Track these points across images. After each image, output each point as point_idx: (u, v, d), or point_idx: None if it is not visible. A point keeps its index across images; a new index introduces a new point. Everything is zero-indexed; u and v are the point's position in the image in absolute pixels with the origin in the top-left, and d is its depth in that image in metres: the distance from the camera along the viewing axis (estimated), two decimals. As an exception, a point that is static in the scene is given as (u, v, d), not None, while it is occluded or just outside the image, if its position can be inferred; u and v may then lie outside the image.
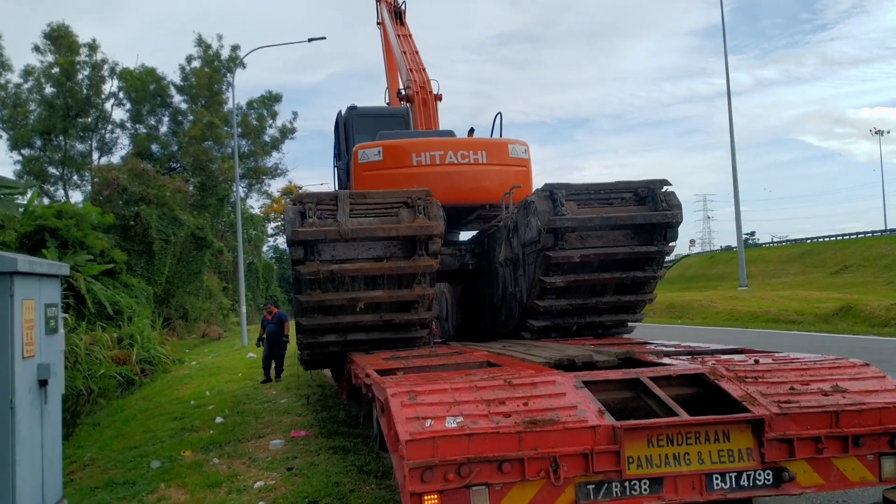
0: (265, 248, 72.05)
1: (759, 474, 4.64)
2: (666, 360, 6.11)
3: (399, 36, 15.55)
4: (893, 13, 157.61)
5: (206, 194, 39.00)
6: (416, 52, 14.84)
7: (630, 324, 10.09)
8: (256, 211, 61.15)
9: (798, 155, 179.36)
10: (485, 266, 11.67)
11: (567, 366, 6.02)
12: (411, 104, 13.48)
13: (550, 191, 8.78)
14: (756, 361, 5.69)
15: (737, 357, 6.23)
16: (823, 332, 24.03)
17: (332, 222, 8.31)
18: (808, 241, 78.75)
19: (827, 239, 76.48)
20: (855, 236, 73.55)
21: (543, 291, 9.16)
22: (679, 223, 8.98)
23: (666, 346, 7.78)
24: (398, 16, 16.62)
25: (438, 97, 13.69)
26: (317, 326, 8.97)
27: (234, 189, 36.53)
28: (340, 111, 13.94)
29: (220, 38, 41.73)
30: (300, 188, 74.82)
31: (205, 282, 39.98)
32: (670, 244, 9.17)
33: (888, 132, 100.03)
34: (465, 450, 4.36)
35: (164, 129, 41.81)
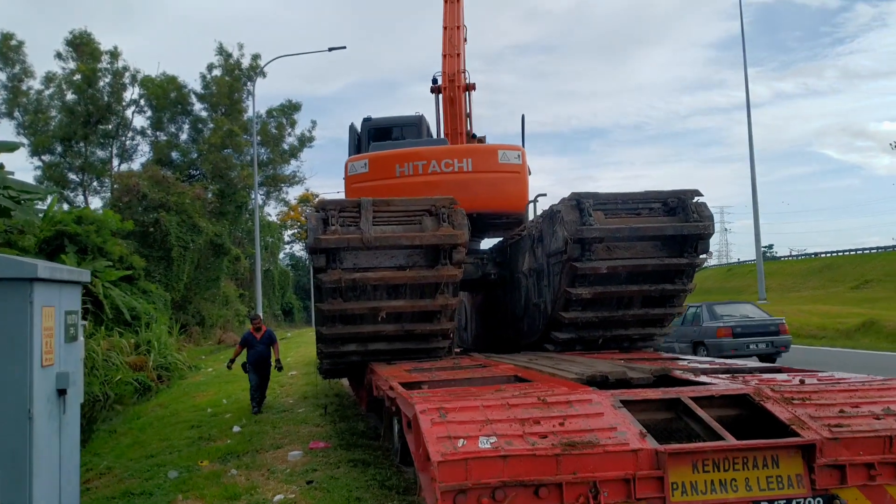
0: (281, 256, 72.16)
1: (810, 502, 4.39)
2: (704, 379, 5.87)
3: (446, 2, 14.66)
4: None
5: (225, 201, 38.99)
6: (457, 28, 13.94)
7: (657, 337, 9.86)
8: (273, 218, 61.24)
9: (817, 168, 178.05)
10: (506, 276, 11.47)
11: (599, 382, 5.80)
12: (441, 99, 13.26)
13: (577, 200, 8.57)
14: (802, 382, 5.43)
15: (779, 376, 5.98)
16: (846, 347, 23.63)
17: (355, 230, 8.16)
18: (828, 255, 77.88)
19: (847, 253, 75.59)
20: (875, 251, 72.66)
21: (569, 303, 8.95)
22: (711, 235, 8.75)
23: (700, 362, 7.53)
24: None
25: (471, 86, 13.39)
26: (338, 335, 8.79)
27: (253, 196, 36.53)
28: (353, 123, 13.85)
29: (241, 46, 42.00)
30: (317, 196, 75.13)
31: (222, 288, 39.95)
32: (701, 256, 8.93)
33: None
34: (499, 472, 4.15)
35: (184, 136, 41.92)
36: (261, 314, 31.92)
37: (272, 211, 60.06)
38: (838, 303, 46.70)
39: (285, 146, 45.32)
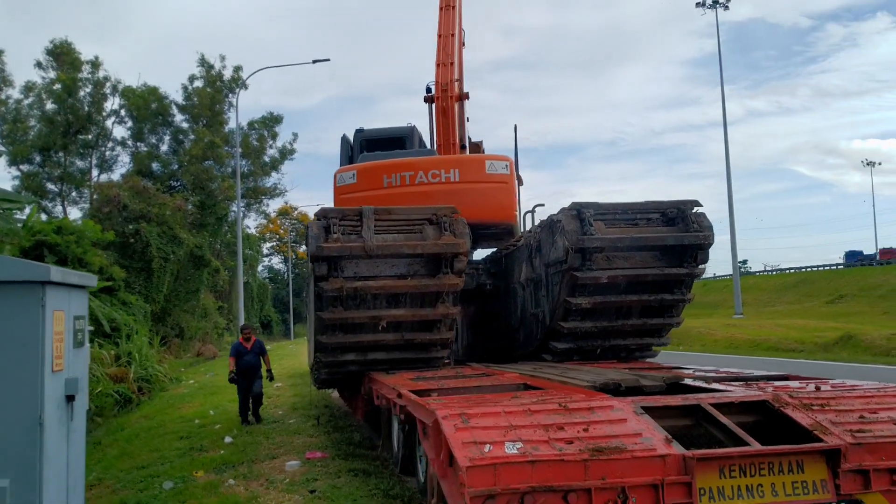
0: (260, 268, 71.70)
1: (835, 507, 4.40)
2: (717, 386, 5.88)
3: (442, 9, 14.32)
4: (883, 47, 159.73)
5: (206, 213, 38.67)
6: (451, 36, 13.66)
7: (654, 348, 9.87)
8: (252, 231, 60.87)
9: (790, 185, 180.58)
10: (501, 286, 11.44)
11: (612, 390, 5.78)
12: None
13: (578, 210, 8.58)
14: (817, 388, 5.46)
15: (792, 384, 6.00)
16: (826, 360, 23.83)
17: (357, 238, 8.11)
18: (802, 270, 78.96)
19: (821, 268, 76.67)
20: (849, 265, 73.78)
21: (568, 313, 8.94)
22: (710, 245, 8.79)
23: (705, 371, 7.55)
24: None
25: (465, 96, 13.31)
26: (337, 345, 8.72)
27: (235, 208, 36.30)
28: (345, 135, 13.80)
29: (222, 58, 41.56)
30: (296, 209, 74.93)
31: (201, 300, 39.57)
32: (700, 266, 8.97)
33: (880, 164, 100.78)
34: (528, 478, 4.12)
35: (164, 147, 41.56)
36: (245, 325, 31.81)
37: (251, 223, 59.80)
38: (814, 317, 47.27)
39: (266, 158, 45.15)
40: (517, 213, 11.73)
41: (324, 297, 8.25)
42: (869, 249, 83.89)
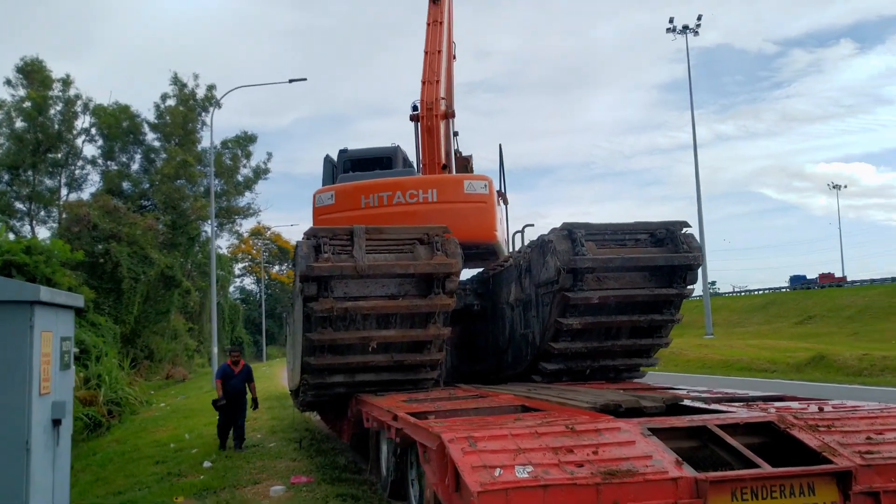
0: (231, 289, 70.90)
1: (847, 529, 4.34)
2: (718, 407, 5.83)
3: (429, 24, 14.08)
4: (847, 73, 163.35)
5: (177, 233, 38.21)
6: (438, 52, 13.44)
7: (643, 368, 9.84)
8: (224, 251, 60.22)
9: (757, 207, 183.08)
10: (488, 307, 11.35)
11: (613, 411, 5.71)
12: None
13: (569, 230, 8.55)
14: (821, 409, 5.43)
15: (793, 404, 5.97)
16: (799, 380, 24.00)
17: (348, 258, 7.99)
18: (770, 291, 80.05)
19: (790, 289, 77.66)
20: (843, 285, 74.72)
21: (559, 333, 8.87)
22: (699, 265, 8.80)
23: (699, 391, 7.51)
24: None
25: (451, 114, 13.18)
26: (326, 366, 8.55)
27: (207, 228, 35.90)
28: (328, 155, 13.67)
29: (196, 77, 41.31)
30: (269, 229, 74.42)
31: (171, 322, 38.97)
32: (689, 287, 8.96)
33: (845, 186, 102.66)
34: (540, 502, 4.02)
35: (135, 166, 41.09)
36: (216, 349, 31.38)
37: (223, 244, 59.09)
38: (784, 338, 47.75)
39: (240, 177, 44.78)
40: (498, 232, 11.64)
41: (313, 317, 8.10)
42: (836, 272, 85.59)
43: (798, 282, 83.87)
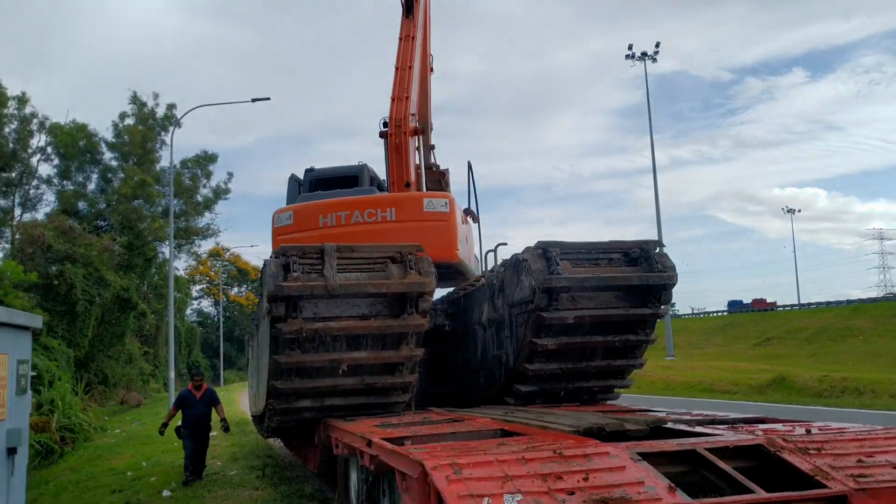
0: (189, 312, 69.58)
1: (844, 556, 4.19)
2: (702, 430, 5.67)
3: (401, 39, 13.78)
4: (798, 100, 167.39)
5: (134, 254, 37.39)
6: (409, 68, 13.10)
7: (616, 390, 9.69)
8: (182, 272, 59.14)
9: (713, 230, 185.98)
10: (459, 327, 11.13)
11: (596, 434, 5.52)
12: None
13: (544, 249, 8.41)
14: (808, 431, 5.30)
15: (778, 426, 5.84)
16: (761, 401, 24.19)
17: (318, 277, 7.72)
18: (710, 314, 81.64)
19: (748, 312, 78.82)
20: (788, 308, 76.06)
21: (533, 354, 8.68)
22: (674, 284, 8.70)
23: (678, 413, 7.37)
24: (408, 6, 14.16)
25: (420, 130, 12.93)
26: (293, 390, 8.23)
27: (164, 249, 35.21)
28: (293, 174, 13.42)
29: (156, 96, 40.63)
30: (228, 251, 73.33)
31: (127, 345, 38.03)
32: (663, 307, 8.86)
33: (799, 211, 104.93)
34: (532, 532, 3.79)
35: (92, 186, 40.20)
36: (173, 374, 30.60)
37: (180, 265, 58.12)
38: (743, 359, 48.26)
39: (199, 198, 44.10)
40: (461, 251, 11.42)
41: (280, 339, 7.80)
42: (789, 294, 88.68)
43: (735, 306, 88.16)
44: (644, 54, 50.01)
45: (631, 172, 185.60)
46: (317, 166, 13.36)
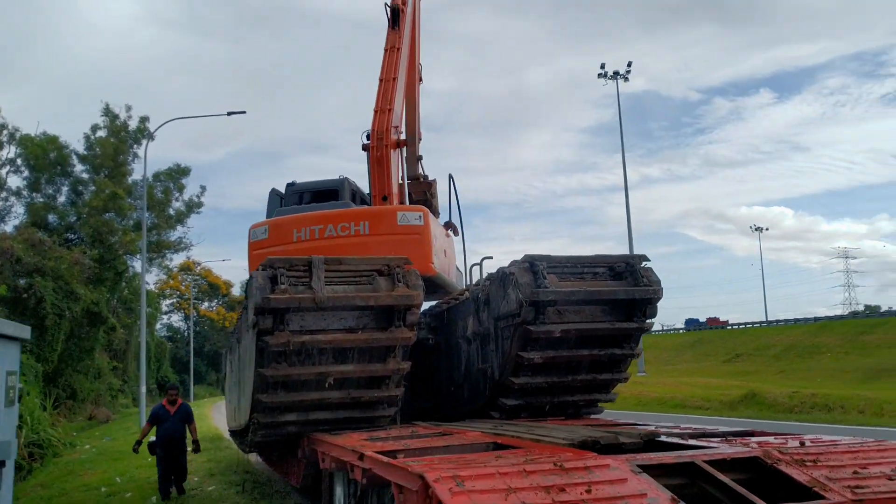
0: (158, 326, 68.64)
1: (844, 566, 4.22)
2: (695, 443, 5.70)
3: (387, 51, 13.64)
4: (765, 121, 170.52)
5: (104, 268, 36.78)
6: (393, 80, 12.97)
7: (600, 404, 9.71)
8: (152, 286, 58.33)
9: (682, 248, 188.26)
10: (441, 341, 11.10)
11: (591, 447, 5.52)
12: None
13: (531, 262, 8.42)
14: (802, 444, 5.35)
15: (771, 439, 5.88)
16: (732, 417, 24.40)
17: (306, 289, 7.67)
18: (667, 331, 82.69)
19: (718, 328, 79.66)
20: (743, 326, 76.99)
21: (519, 368, 8.69)
22: (660, 299, 8.76)
23: (667, 427, 7.39)
24: (394, 17, 13.94)
25: (402, 143, 12.88)
26: (278, 404, 8.15)
27: (135, 263, 34.75)
28: (274, 189, 13.38)
29: (128, 108, 40.07)
30: (199, 265, 72.62)
31: (96, 360, 37.38)
32: (648, 321, 8.91)
33: (767, 229, 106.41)
34: (538, 544, 3.76)
35: (62, 198, 39.56)
36: (144, 388, 30.09)
37: (151, 279, 57.24)
38: (713, 375, 48.74)
39: (171, 211, 43.61)
40: (436, 264, 11.36)
41: (267, 352, 7.72)
42: (757, 311, 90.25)
43: (692, 324, 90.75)
44: (616, 73, 50.58)
45: (601, 190, 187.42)
46: (298, 180, 13.32)
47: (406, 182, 13.02)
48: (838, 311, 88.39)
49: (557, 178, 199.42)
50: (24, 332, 5.42)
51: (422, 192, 13.57)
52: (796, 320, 71.49)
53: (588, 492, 4.22)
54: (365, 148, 12.38)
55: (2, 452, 4.57)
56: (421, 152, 14.26)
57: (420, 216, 11.09)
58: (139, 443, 11.59)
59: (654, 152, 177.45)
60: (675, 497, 4.24)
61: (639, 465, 4.64)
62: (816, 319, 69.04)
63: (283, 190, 13.15)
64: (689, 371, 57.44)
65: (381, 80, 13.00)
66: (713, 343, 71.17)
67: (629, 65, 50.56)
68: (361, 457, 5.89)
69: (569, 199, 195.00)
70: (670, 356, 71.21)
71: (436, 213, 13.70)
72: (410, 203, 12.88)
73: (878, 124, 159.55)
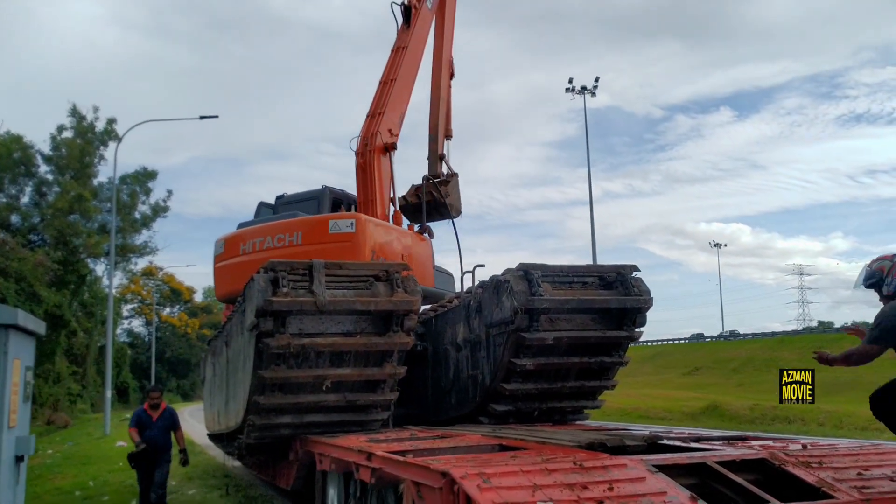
0: (119, 331, 67.48)
1: (852, 564, 4.42)
2: (696, 445, 5.89)
3: (394, 51, 13.44)
4: (725, 139, 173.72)
5: (68, 271, 36.18)
6: (392, 81, 12.73)
7: (585, 411, 9.89)
8: (114, 291, 57.37)
9: (642, 262, 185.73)
10: (429, 347, 11.18)
11: (597, 449, 5.67)
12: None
13: (525, 271, 8.58)
14: (804, 447, 5.56)
15: (772, 443, 6.09)
16: (696, 427, 24.75)
17: (306, 293, 7.73)
18: (661, 343, 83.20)
19: (678, 342, 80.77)
20: (700, 340, 78.24)
21: (511, 374, 8.82)
22: (649, 308, 8.98)
23: (664, 431, 7.59)
24: (407, 15, 13.70)
25: (389, 146, 12.75)
26: (275, 406, 8.18)
27: (106, 266, 34.24)
28: (262, 202, 13.52)
29: (96, 109, 39.41)
30: (161, 270, 71.61)
31: (56, 364, 36.69)
32: (638, 329, 9.12)
33: (726, 245, 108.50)
34: (569, 538, 3.89)
35: (25, 199, 38.82)
36: (109, 393, 29.53)
37: (113, 283, 56.35)
38: (674, 388, 49.45)
39: (137, 215, 43.05)
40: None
41: (266, 354, 7.76)
42: (714, 325, 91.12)
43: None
44: (584, 88, 51.09)
45: (563, 204, 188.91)
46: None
47: (394, 187, 13.08)
48: (792, 327, 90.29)
49: (520, 192, 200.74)
50: (41, 327, 5.40)
51: (430, 193, 13.49)
52: (754, 335, 72.83)
53: (610, 489, 4.36)
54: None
55: (22, 447, 4.55)
56: (443, 151, 13.90)
57: (352, 223, 11.16)
58: (133, 454, 9.90)
59: (617, 167, 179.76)
60: (695, 496, 4.40)
61: (654, 465, 4.79)
62: (774, 334, 70.40)
63: (272, 202, 13.35)
64: (651, 383, 58.08)
65: (381, 82, 13.02)
66: (672, 356, 72.13)
67: (597, 80, 50.93)
68: (370, 457, 5.97)
69: (530, 213, 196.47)
70: (631, 368, 70.20)
71: (455, 212, 13.71)
72: (420, 205, 13.12)
73: (834, 144, 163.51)
